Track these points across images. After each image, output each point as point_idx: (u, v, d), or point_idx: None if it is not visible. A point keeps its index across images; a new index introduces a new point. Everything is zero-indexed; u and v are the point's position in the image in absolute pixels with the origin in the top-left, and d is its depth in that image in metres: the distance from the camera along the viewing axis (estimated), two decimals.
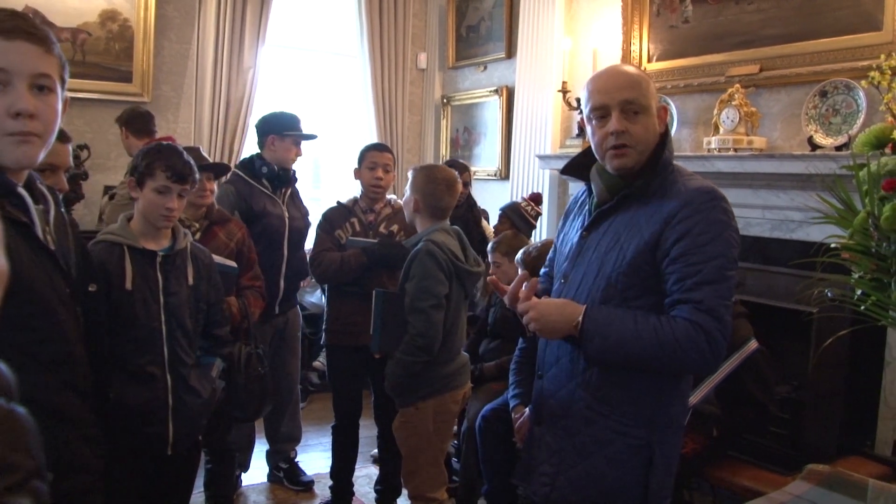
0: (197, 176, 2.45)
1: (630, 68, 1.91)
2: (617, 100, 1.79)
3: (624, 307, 1.78)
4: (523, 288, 1.87)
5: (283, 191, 3.65)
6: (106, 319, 2.25)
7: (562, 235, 2.09)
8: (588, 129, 1.90)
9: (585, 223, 1.93)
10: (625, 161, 1.81)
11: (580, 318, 1.75)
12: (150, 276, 2.33)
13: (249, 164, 3.62)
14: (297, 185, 3.84)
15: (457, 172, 3.90)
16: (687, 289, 1.71)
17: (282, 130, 3.59)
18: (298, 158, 3.67)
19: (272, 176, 3.59)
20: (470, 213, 4.03)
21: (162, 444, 2.34)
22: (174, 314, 2.35)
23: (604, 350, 1.75)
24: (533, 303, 1.83)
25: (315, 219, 3.69)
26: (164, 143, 2.45)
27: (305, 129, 3.70)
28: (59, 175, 2.10)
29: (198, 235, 2.99)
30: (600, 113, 1.82)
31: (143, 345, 2.29)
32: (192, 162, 2.42)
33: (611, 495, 1.82)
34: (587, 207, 1.98)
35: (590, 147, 1.92)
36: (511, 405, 3.20)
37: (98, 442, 1.58)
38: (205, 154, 3.16)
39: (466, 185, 4.06)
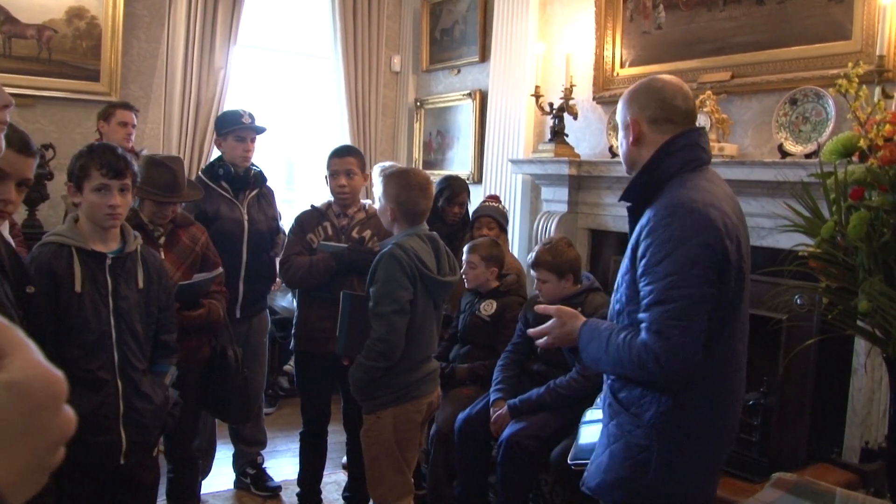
0: (136, 168, 2.38)
1: (633, 85, 2.01)
2: None
3: (626, 320, 1.91)
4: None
5: (247, 193, 3.59)
6: (53, 323, 2.19)
7: None
8: None
9: None
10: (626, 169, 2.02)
11: (577, 334, 1.95)
12: (99, 278, 2.28)
13: (210, 167, 3.58)
14: (271, 186, 3.78)
15: (458, 190, 3.93)
16: (643, 308, 1.80)
17: (221, 130, 3.54)
18: (248, 154, 3.56)
19: (230, 178, 3.52)
20: (462, 232, 4.02)
21: (114, 454, 2.28)
22: (124, 318, 2.30)
23: (590, 362, 1.95)
24: (548, 326, 2.03)
25: (289, 222, 3.64)
26: (96, 142, 2.39)
27: (256, 123, 3.58)
28: (9, 185, 1.90)
29: (162, 240, 2.94)
30: None
31: (92, 349, 2.24)
32: (127, 156, 2.36)
33: (615, 485, 1.95)
34: None
35: None
36: (492, 399, 3.25)
37: None
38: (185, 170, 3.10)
39: (463, 205, 4.01)
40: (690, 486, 1.95)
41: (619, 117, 2.00)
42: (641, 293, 1.81)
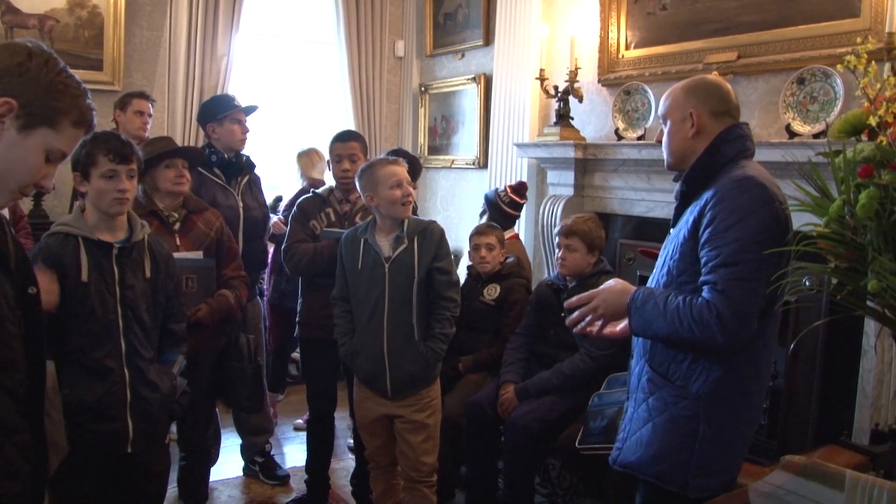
0: (140, 155, 2.42)
1: (686, 82, 2.11)
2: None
3: (676, 290, 1.97)
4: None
5: (239, 179, 3.57)
6: (59, 312, 2.19)
7: None
8: None
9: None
10: (666, 163, 2.13)
11: (628, 299, 1.99)
12: (105, 268, 2.29)
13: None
14: (259, 173, 3.75)
15: (417, 169, 3.90)
16: (708, 271, 1.88)
17: (216, 115, 3.52)
18: (246, 136, 3.57)
19: (223, 164, 3.51)
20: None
21: (121, 443, 2.29)
22: (131, 307, 2.32)
23: (642, 325, 1.97)
24: (595, 292, 2.07)
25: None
26: (99, 130, 2.41)
27: (245, 103, 3.60)
28: None
29: (177, 226, 2.95)
30: None
31: (99, 338, 2.26)
32: (131, 142, 2.39)
33: (659, 458, 1.99)
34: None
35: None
36: (501, 380, 3.26)
37: (29, 448, 1.49)
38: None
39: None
40: (733, 458, 2.01)
41: (669, 111, 2.09)
42: (705, 258, 1.89)
